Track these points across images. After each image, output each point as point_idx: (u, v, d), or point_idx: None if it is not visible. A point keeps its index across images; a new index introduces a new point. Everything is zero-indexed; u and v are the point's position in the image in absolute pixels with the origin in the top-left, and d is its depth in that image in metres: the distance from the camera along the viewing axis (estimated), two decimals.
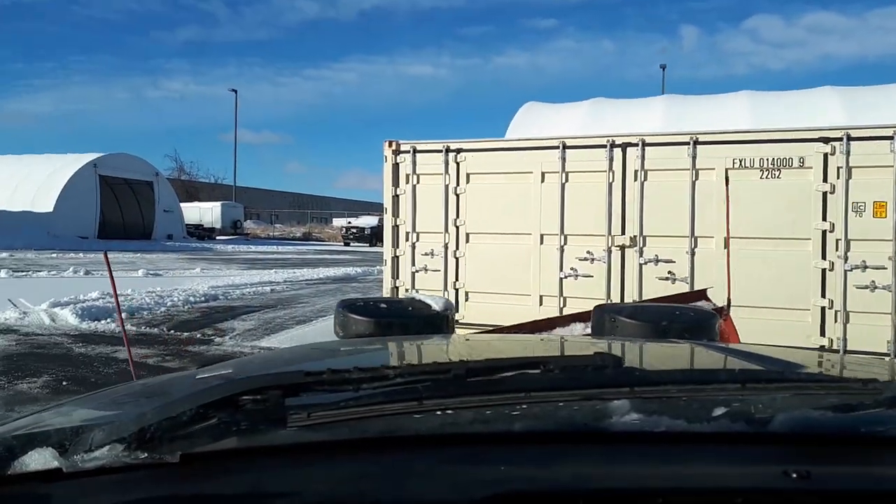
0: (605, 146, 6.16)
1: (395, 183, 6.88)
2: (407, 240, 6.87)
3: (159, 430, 0.71)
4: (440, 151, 6.69)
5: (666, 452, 0.73)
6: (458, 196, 6.65)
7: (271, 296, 11.83)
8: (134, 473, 0.68)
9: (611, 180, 6.13)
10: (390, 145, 6.89)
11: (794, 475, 0.66)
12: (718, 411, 0.77)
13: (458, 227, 6.66)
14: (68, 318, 8.38)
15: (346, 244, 36.28)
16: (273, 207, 54.58)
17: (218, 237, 37.36)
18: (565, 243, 6.30)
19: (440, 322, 1.92)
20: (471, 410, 0.78)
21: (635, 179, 6.07)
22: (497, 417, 0.77)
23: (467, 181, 6.63)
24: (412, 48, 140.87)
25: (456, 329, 2.11)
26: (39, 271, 14.21)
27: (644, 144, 6.05)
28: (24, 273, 13.63)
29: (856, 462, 0.72)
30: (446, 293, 6.67)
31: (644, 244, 6.07)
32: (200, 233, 36.20)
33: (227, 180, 50.74)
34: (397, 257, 6.93)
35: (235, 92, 45.72)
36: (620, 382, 0.85)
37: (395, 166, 6.88)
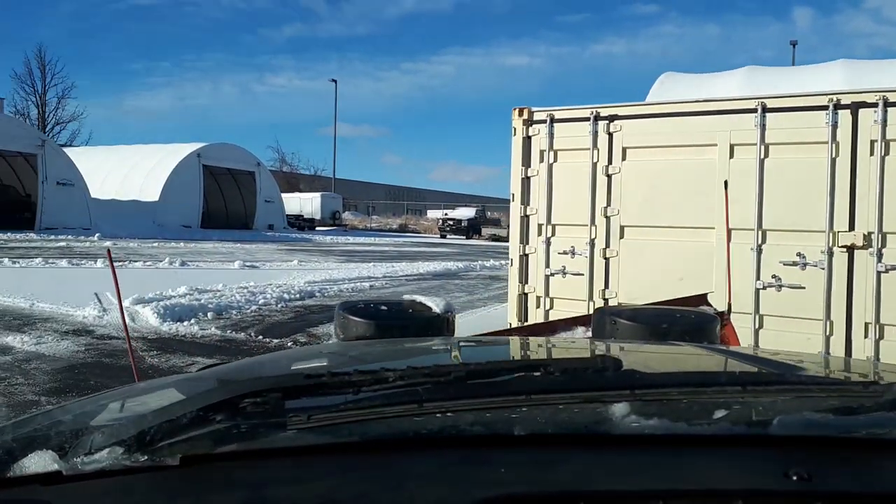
0: (825, 107, 4.43)
1: (526, 161, 5.41)
2: (540, 234, 5.39)
3: (159, 432, 0.71)
4: (586, 120, 5.16)
5: (666, 455, 0.73)
6: (609, 177, 5.11)
7: (370, 293, 10.71)
8: (134, 476, 0.68)
9: (833, 154, 4.39)
10: (520, 114, 5.42)
11: (795, 477, 0.66)
12: (719, 414, 0.78)
13: (608, 219, 5.12)
14: (149, 317, 7.51)
15: (443, 236, 35.31)
16: (369, 199, 54.62)
17: (317, 228, 37.33)
18: (763, 241, 4.62)
19: (441, 324, 1.88)
20: (471, 413, 0.78)
21: (871, 153, 4.31)
22: (497, 420, 0.77)
23: (623, 157, 5.06)
24: (509, 38, 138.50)
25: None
26: (136, 261, 13.84)
27: (887, 104, 4.28)
28: (120, 263, 13.24)
29: (856, 464, 0.72)
30: (591, 304, 5.15)
31: (883, 244, 4.31)
32: (300, 223, 36.23)
33: (326, 172, 51.10)
34: (526, 256, 5.47)
35: (335, 82, 45.76)
36: (621, 385, 0.84)
37: (527, 141, 5.41)
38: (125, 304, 8.01)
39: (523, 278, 5.45)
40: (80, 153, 29.08)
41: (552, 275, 5.31)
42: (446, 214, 37.16)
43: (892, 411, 0.80)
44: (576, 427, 0.78)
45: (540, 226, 5.38)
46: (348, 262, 16.38)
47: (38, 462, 0.70)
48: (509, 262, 5.57)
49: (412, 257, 19.10)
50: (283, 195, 35.53)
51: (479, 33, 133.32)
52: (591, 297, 5.16)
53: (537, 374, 0.88)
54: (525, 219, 5.46)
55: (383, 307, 1.97)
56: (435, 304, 1.95)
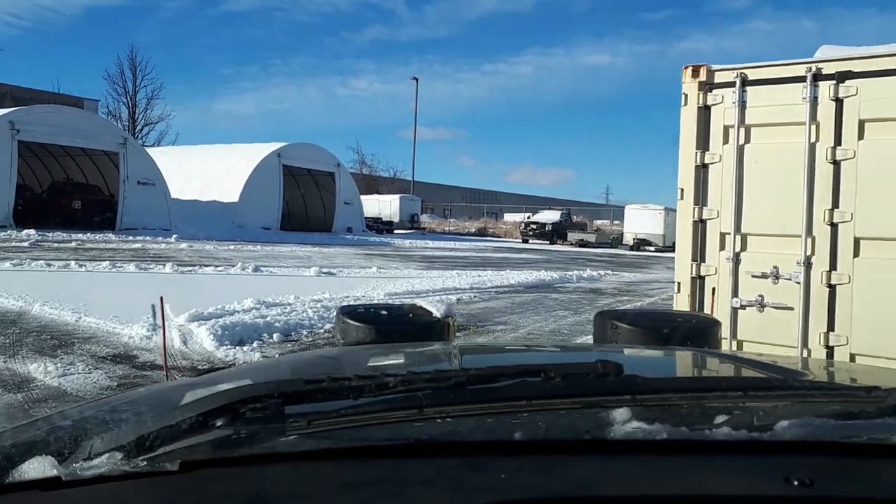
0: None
1: (703, 143, 3.80)
2: (723, 248, 3.77)
3: (159, 437, 0.72)
4: (800, 80, 3.50)
5: (667, 460, 0.73)
6: (836, 165, 3.43)
7: (458, 309, 9.24)
8: (133, 482, 0.68)
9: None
10: (694, 74, 3.80)
11: (797, 483, 0.65)
12: (720, 419, 0.78)
13: (835, 227, 3.45)
14: (204, 339, 6.31)
15: (525, 241, 33.65)
16: (446, 201, 53.60)
17: (395, 231, 36.43)
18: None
19: (441, 329, 1.88)
20: (472, 418, 0.78)
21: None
22: (498, 425, 0.77)
23: (860, 135, 3.38)
24: (591, 37, 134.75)
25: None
26: (207, 266, 12.94)
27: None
28: (190, 268, 12.41)
29: (858, 470, 0.71)
30: (806, 352, 3.48)
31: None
32: (379, 226, 35.39)
33: (405, 174, 50.37)
34: (701, 278, 3.85)
35: (416, 80, 44.84)
36: (622, 390, 0.84)
37: (704, 112, 3.80)
38: (179, 320, 6.90)
39: (697, 306, 3.83)
40: (162, 153, 29.19)
41: (743, 307, 3.67)
42: (528, 217, 35.46)
43: (893, 417, 0.79)
44: (577, 433, 0.78)
45: (723, 236, 3.76)
46: (430, 270, 15.06)
47: (37, 468, 0.70)
48: (675, 286, 3.94)
49: (497, 264, 17.61)
50: (362, 197, 34.78)
51: (559, 33, 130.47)
52: (804, 343, 3.49)
53: (538, 379, 0.86)
54: (699, 225, 3.84)
55: (384, 312, 1.96)
56: (436, 309, 1.92)
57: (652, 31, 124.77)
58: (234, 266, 13.00)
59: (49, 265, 11.46)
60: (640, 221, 30.51)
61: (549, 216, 33.48)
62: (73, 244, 16.82)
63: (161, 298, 2.21)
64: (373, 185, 45.03)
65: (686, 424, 0.77)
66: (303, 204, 32.28)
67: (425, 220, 43.65)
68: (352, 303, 8.38)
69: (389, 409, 0.78)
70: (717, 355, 1.48)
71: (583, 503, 0.65)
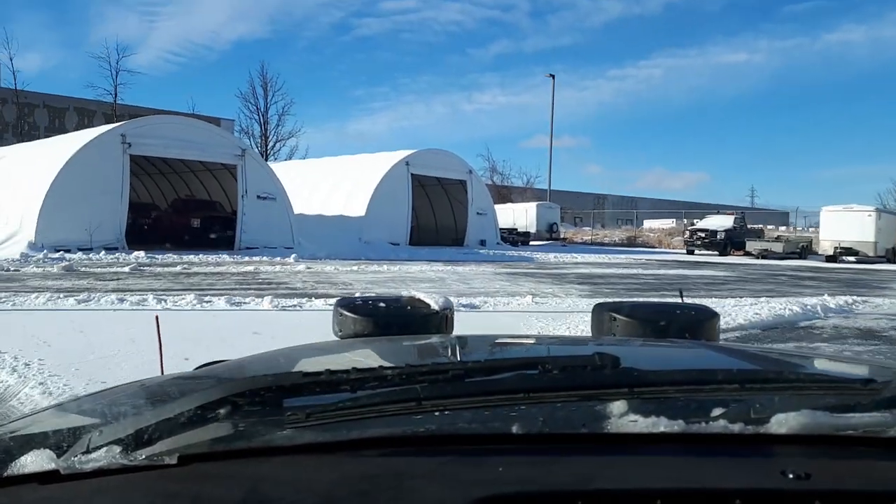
0: None
1: None
2: None
3: (157, 431, 0.72)
4: None
5: (664, 453, 0.73)
6: None
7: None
8: (132, 475, 0.68)
9: None
10: None
11: (793, 476, 0.66)
12: (717, 412, 0.78)
13: None
14: None
15: (690, 252, 28.76)
16: (578, 209, 49.43)
17: (531, 242, 32.83)
18: None
19: (440, 321, 1.85)
20: (469, 411, 0.78)
21: None
22: (495, 418, 0.77)
23: None
24: (725, 36, 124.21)
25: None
26: (318, 298, 9.98)
27: None
28: (297, 301, 9.55)
29: (855, 463, 0.72)
30: None
31: None
32: (514, 238, 31.98)
33: (537, 181, 46.72)
34: None
35: (553, 77, 41.04)
36: (619, 383, 0.84)
37: None
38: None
39: None
40: (284, 167, 27.51)
41: None
42: (694, 224, 30.45)
43: (890, 409, 0.79)
44: (574, 425, 0.78)
45: None
46: (594, 296, 11.35)
47: (36, 461, 0.70)
48: None
49: (682, 285, 13.50)
50: (494, 207, 31.48)
51: (690, 33, 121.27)
52: None
53: (535, 371, 0.86)
54: None
55: (381, 304, 1.95)
56: (434, 301, 1.92)
57: (795, 25, 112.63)
58: (354, 291, 9.98)
59: (121, 300, 8.99)
60: (843, 226, 24.81)
61: (720, 222, 28.43)
62: (178, 268, 14.73)
63: (157, 317, 2.12)
64: (504, 194, 41.81)
65: (682, 417, 0.76)
66: (432, 215, 29.54)
67: (567, 229, 39.61)
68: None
69: (387, 402, 0.77)
70: (715, 347, 1.44)
71: (580, 496, 0.64)
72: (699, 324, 1.75)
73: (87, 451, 0.71)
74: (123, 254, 17.12)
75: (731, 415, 0.77)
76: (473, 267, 17.61)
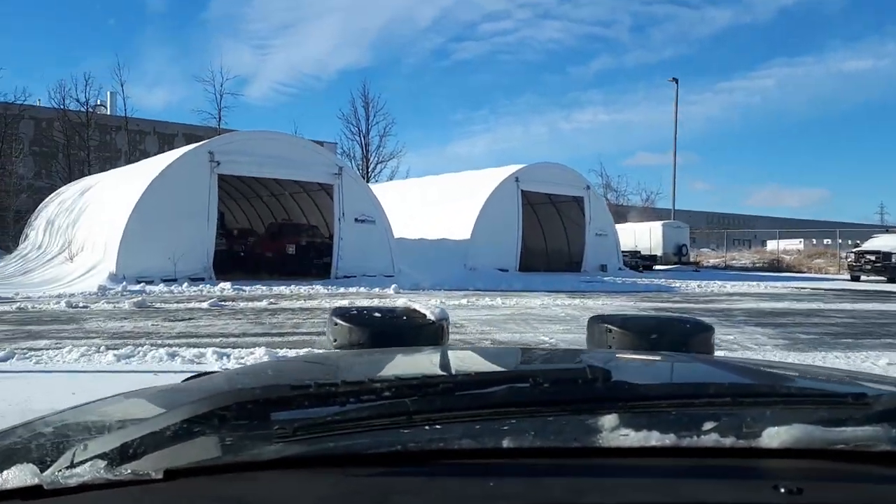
0: None
1: None
2: None
3: (143, 444, 0.71)
4: None
5: (656, 467, 0.73)
6: None
7: None
8: (117, 490, 0.68)
9: None
10: None
11: (784, 490, 0.66)
12: (708, 425, 0.78)
13: None
14: None
15: (854, 278, 24.26)
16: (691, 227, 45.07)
17: (656, 267, 29.20)
18: None
19: (435, 332, 1.84)
20: (460, 424, 0.78)
21: None
22: (486, 432, 0.77)
23: None
24: (846, 41, 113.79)
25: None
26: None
27: None
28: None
29: (846, 477, 0.72)
30: None
31: None
32: (636, 262, 28.51)
33: (660, 198, 42.75)
34: None
35: (676, 81, 37.22)
36: (610, 396, 0.84)
37: None
38: None
39: None
40: (383, 187, 25.39)
41: None
42: (859, 246, 25.84)
43: (881, 423, 0.79)
44: (565, 439, 0.78)
45: None
46: (793, 345, 8.17)
47: (19, 475, 0.69)
48: None
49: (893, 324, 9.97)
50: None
51: (807, 40, 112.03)
52: None
53: (526, 385, 0.84)
54: None
55: (377, 314, 1.93)
56: (429, 312, 1.89)
57: None
58: (465, 335, 7.37)
59: (172, 355, 6.84)
60: None
61: (893, 243, 23.80)
62: (264, 303, 12.71)
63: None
64: (620, 212, 38.19)
65: (674, 431, 0.76)
66: (541, 237, 26.65)
67: (704, 252, 35.42)
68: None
69: (377, 416, 0.76)
70: (707, 361, 1.44)
71: None
72: (693, 336, 1.77)
73: (71, 466, 0.70)
74: (209, 285, 15.42)
75: (723, 428, 0.77)
76: (606, 300, 14.61)
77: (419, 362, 1.46)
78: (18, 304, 11.66)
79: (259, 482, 0.69)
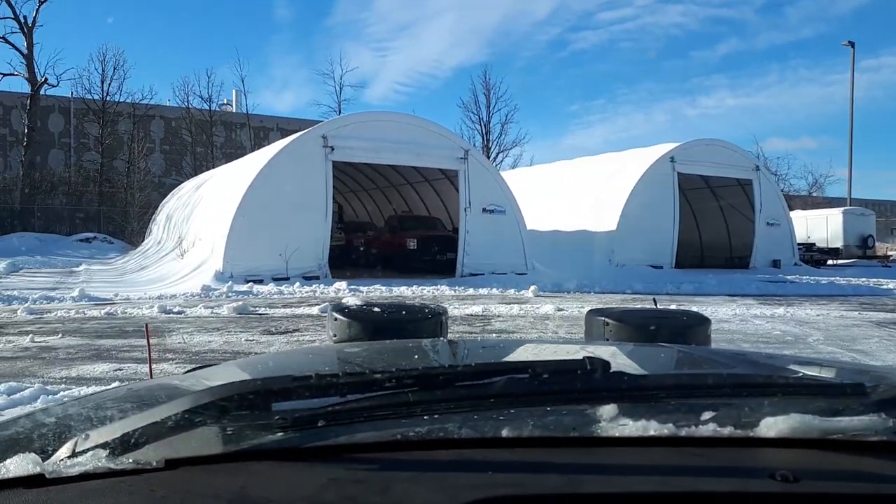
0: None
1: None
2: None
3: (144, 434, 0.72)
4: None
5: (654, 457, 0.73)
6: None
7: None
8: (118, 479, 0.68)
9: None
10: None
11: (781, 479, 0.66)
12: (706, 415, 0.78)
13: None
14: None
15: None
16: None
17: (838, 262, 24.61)
18: None
19: (434, 325, 1.84)
20: (459, 415, 0.78)
21: None
22: (485, 422, 0.77)
23: None
24: None
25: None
26: None
27: None
28: None
29: (843, 466, 0.72)
30: None
31: None
32: (812, 255, 24.08)
33: (828, 184, 37.16)
34: None
35: (852, 45, 31.69)
36: (609, 387, 0.84)
37: None
38: None
39: None
40: (509, 175, 22.66)
41: None
42: None
43: (877, 413, 0.80)
44: (564, 429, 0.78)
45: None
46: None
47: (21, 465, 0.70)
48: None
49: None
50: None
51: None
52: None
53: (525, 375, 0.83)
54: None
55: (376, 309, 1.90)
56: (427, 306, 1.90)
57: None
58: None
59: None
60: None
61: None
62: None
63: (146, 325, 2.19)
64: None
65: (672, 421, 0.77)
66: (694, 228, 22.95)
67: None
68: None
69: (377, 407, 0.77)
70: (705, 352, 1.46)
71: (570, 500, 0.65)
72: (690, 329, 1.78)
73: (73, 455, 0.70)
74: (323, 285, 13.54)
75: (721, 418, 0.77)
76: (812, 308, 11.21)
77: (419, 354, 1.45)
78: (110, 308, 10.18)
79: (260, 472, 0.69)
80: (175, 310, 10.15)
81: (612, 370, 0.86)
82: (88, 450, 0.70)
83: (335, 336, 1.82)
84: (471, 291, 13.15)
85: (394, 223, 19.54)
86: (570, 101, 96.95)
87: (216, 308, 10.32)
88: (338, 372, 0.82)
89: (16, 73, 31.83)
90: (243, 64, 49.88)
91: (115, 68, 34.94)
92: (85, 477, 0.67)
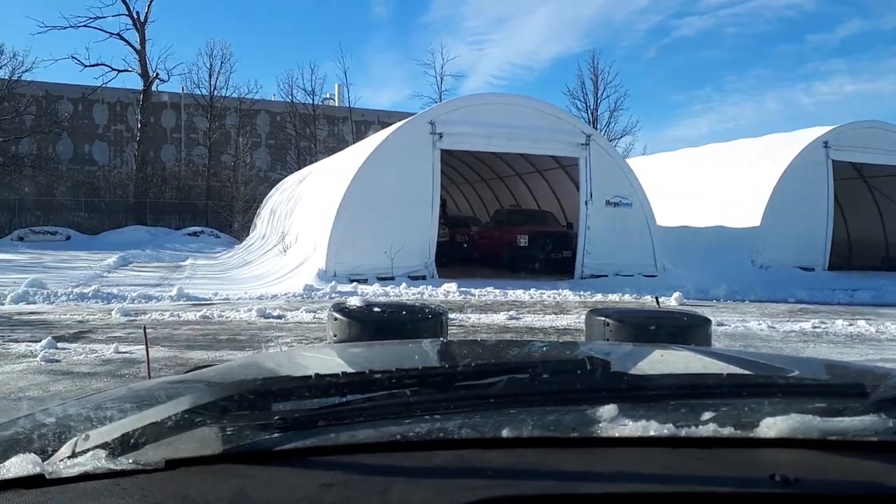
0: None
1: None
2: None
3: (144, 435, 0.71)
4: None
5: (653, 458, 0.73)
6: None
7: None
8: (118, 480, 0.68)
9: None
10: None
11: (781, 480, 0.66)
12: (706, 416, 0.78)
13: None
14: None
15: None
16: None
17: None
18: None
19: (435, 326, 1.86)
20: (459, 415, 0.78)
21: None
22: (485, 422, 0.77)
23: None
24: None
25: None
26: None
27: None
28: None
29: (843, 467, 0.72)
30: None
31: None
32: None
33: None
34: None
35: None
36: (609, 387, 0.84)
37: None
38: None
39: None
40: (634, 163, 20.57)
41: None
42: None
43: (877, 414, 0.79)
44: (564, 430, 0.78)
45: None
46: None
47: (21, 465, 0.69)
48: None
49: None
50: None
51: None
52: None
53: (525, 376, 0.84)
54: None
55: (376, 309, 1.90)
56: (428, 306, 1.90)
57: None
58: None
59: None
60: None
61: None
62: (502, 316, 9.16)
63: (144, 327, 2.41)
64: None
65: (672, 421, 0.76)
66: (841, 223, 20.06)
67: None
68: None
69: (377, 407, 0.77)
70: (705, 352, 1.44)
71: (569, 500, 0.65)
72: (691, 329, 1.79)
73: (73, 456, 0.70)
74: (430, 286, 12.32)
75: (721, 419, 0.77)
76: None
77: (419, 354, 1.46)
78: (206, 310, 9.36)
79: (260, 472, 0.69)
80: (275, 313, 9.19)
81: (612, 370, 0.88)
82: (88, 450, 0.70)
83: (335, 336, 1.84)
84: (599, 297, 11.53)
85: (501, 217, 18.07)
86: (673, 91, 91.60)
87: (319, 312, 9.28)
88: (337, 372, 0.82)
89: (130, 68, 32.90)
90: (345, 57, 49.56)
91: (221, 62, 35.62)
92: (85, 477, 0.67)
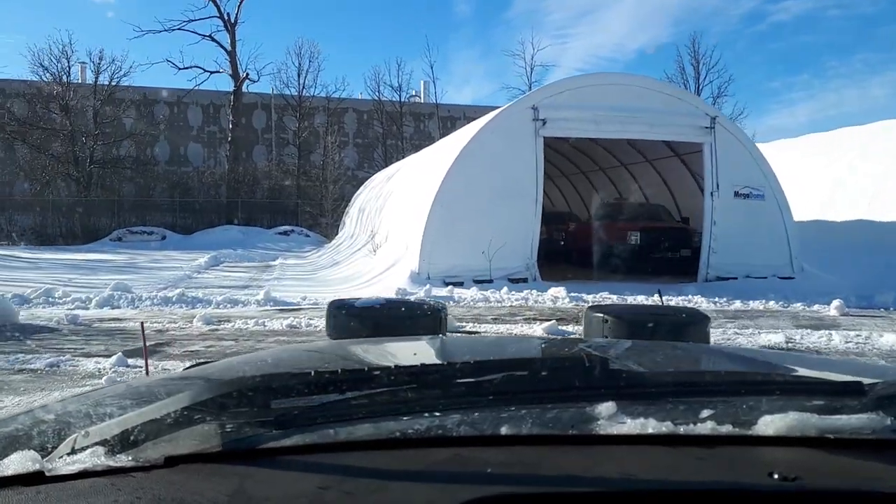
0: None
1: None
2: None
3: (143, 432, 0.71)
4: None
5: (652, 455, 0.73)
6: None
7: None
8: (118, 476, 0.67)
9: None
10: None
11: (779, 477, 0.66)
12: (705, 413, 0.78)
13: None
14: None
15: None
16: None
17: None
18: None
19: (433, 322, 1.84)
20: (458, 412, 0.77)
21: None
22: (484, 419, 0.77)
23: None
24: None
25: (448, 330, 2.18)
26: None
27: None
28: None
29: (841, 464, 0.72)
30: None
31: None
32: None
33: None
34: None
35: None
36: (607, 385, 0.83)
37: None
38: None
39: None
40: (766, 147, 18.40)
41: None
42: None
43: (875, 412, 0.79)
44: (562, 427, 0.77)
45: None
46: None
47: (20, 462, 0.69)
48: None
49: None
50: None
51: None
52: None
53: (524, 373, 0.84)
54: None
55: (376, 305, 1.93)
56: (427, 303, 1.77)
57: None
58: None
59: None
60: None
61: None
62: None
63: (142, 323, 2.31)
64: None
65: (671, 419, 0.76)
66: None
67: None
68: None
69: (375, 404, 0.76)
70: (704, 350, 1.40)
71: (568, 498, 0.64)
72: (689, 326, 1.86)
73: (72, 453, 0.70)
74: (535, 290, 11.03)
75: (719, 417, 0.77)
76: None
77: (418, 351, 1.44)
78: (293, 318, 8.48)
79: (259, 469, 0.69)
80: None
81: (610, 367, 0.88)
82: (88, 447, 0.70)
83: (334, 332, 1.86)
84: (738, 305, 9.86)
85: (607, 212, 16.42)
86: (768, 78, 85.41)
87: None
88: (336, 369, 0.82)
89: (221, 70, 33.28)
90: (431, 53, 48.91)
91: (310, 61, 35.65)
92: (84, 474, 0.67)
